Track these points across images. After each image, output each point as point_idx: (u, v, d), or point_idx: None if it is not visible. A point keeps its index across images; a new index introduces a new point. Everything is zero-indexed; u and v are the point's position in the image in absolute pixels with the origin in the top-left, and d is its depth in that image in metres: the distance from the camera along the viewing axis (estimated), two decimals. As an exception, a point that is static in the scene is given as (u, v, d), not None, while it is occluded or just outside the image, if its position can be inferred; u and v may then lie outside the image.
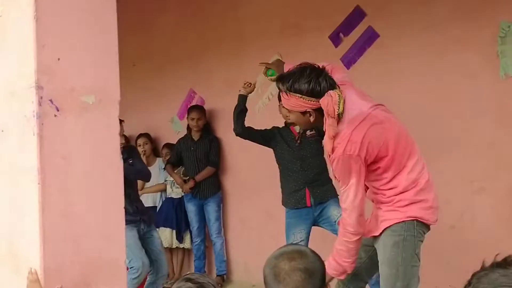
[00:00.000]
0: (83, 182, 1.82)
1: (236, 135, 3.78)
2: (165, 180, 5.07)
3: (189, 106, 4.96)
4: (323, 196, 3.49)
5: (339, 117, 2.18)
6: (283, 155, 3.67)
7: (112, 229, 1.90)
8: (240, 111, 3.71)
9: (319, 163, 3.56)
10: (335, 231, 3.16)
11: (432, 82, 3.69)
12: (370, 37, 3.99)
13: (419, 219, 2.23)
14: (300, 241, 3.34)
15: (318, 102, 2.17)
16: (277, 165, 3.73)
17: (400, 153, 2.23)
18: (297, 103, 2.22)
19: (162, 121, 5.40)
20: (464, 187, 3.57)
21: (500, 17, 3.41)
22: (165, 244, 4.92)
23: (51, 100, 1.75)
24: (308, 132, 3.59)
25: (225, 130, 4.82)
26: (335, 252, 2.27)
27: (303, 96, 2.19)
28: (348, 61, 4.10)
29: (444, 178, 3.61)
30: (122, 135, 5.24)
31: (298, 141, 3.61)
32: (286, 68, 2.60)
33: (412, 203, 2.23)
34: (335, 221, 3.36)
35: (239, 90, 3.79)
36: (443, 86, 3.64)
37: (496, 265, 0.99)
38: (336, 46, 4.18)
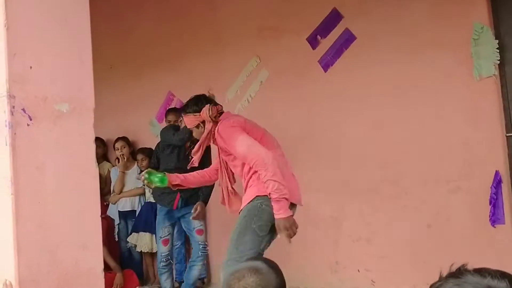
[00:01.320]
0: (58, 192, 1.80)
1: None
2: (143, 185, 5.03)
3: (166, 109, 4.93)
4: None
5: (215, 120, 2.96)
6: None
7: (88, 237, 1.88)
8: None
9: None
10: (189, 231, 4.20)
11: (408, 83, 3.74)
12: (347, 39, 4.02)
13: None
14: (168, 235, 4.22)
15: (200, 115, 2.99)
16: None
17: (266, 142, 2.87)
18: (189, 120, 3.05)
19: (141, 124, 5.35)
20: (440, 187, 3.62)
21: (474, 19, 3.46)
22: (145, 249, 4.89)
23: (23, 109, 1.73)
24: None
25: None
26: (275, 186, 2.61)
27: (192, 114, 3.02)
28: (326, 63, 4.13)
29: (420, 178, 3.67)
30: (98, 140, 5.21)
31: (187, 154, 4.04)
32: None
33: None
34: (194, 228, 4.15)
35: None
36: (419, 87, 3.69)
37: (450, 275, 1.02)
38: (313, 48, 4.20)
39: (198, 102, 3.05)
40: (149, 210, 4.90)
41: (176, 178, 3.21)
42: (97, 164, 1.93)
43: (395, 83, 3.79)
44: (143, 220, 4.85)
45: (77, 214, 1.85)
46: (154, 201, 4.87)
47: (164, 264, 4.26)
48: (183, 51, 4.92)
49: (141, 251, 4.96)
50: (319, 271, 4.19)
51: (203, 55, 4.79)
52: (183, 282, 4.77)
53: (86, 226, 1.88)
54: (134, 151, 5.19)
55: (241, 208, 2.86)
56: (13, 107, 1.70)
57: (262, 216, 2.73)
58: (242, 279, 1.45)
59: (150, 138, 5.24)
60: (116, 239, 5.16)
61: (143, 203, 5.04)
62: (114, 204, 5.15)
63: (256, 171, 2.75)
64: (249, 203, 2.80)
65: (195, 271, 4.17)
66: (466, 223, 3.51)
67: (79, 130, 1.88)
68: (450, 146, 3.58)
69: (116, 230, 5.16)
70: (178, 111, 4.82)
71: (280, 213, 2.61)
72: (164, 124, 4.91)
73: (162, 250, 4.23)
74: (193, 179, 3.29)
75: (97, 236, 1.91)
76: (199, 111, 3.00)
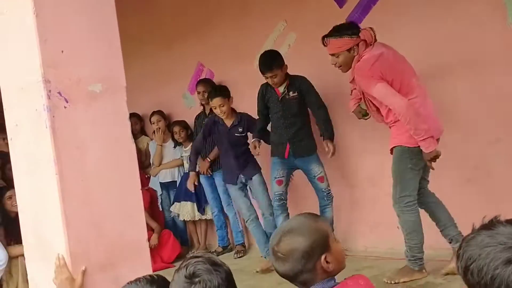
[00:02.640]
0: (99, 169, 1.89)
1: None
2: (181, 156, 5.15)
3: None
4: (302, 151, 3.97)
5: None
6: (271, 112, 4.06)
7: (131, 211, 1.97)
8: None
9: (299, 121, 3.97)
10: (314, 183, 4.00)
11: (440, 33, 3.64)
12: (375, -6, 3.93)
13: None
14: (282, 177, 4.01)
15: (359, 37, 3.15)
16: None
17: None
18: (344, 42, 3.15)
19: (174, 97, 5.43)
20: (479, 139, 3.55)
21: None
22: (187, 218, 5.04)
23: (59, 93, 1.80)
24: (290, 94, 3.95)
25: (235, 100, 4.84)
26: (414, 130, 3.00)
27: (349, 36, 3.15)
28: (354, 21, 4.04)
29: (458, 131, 3.61)
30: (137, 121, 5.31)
31: (280, 101, 3.97)
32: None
33: None
34: (314, 176, 3.98)
35: None
36: (452, 36, 3.59)
37: (483, 227, 1.03)
38: (340, 7, 4.12)
39: (349, 26, 3.23)
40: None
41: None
42: (133, 139, 2.00)
43: (426, 34, 3.69)
44: (183, 190, 4.98)
45: (119, 189, 1.93)
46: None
47: (278, 203, 3.99)
48: (209, 20, 4.92)
49: (184, 220, 5.12)
50: (358, 231, 4.23)
51: (229, 22, 4.78)
52: (226, 246, 4.92)
53: (128, 200, 1.96)
54: (169, 124, 5.29)
55: (392, 145, 3.21)
56: (50, 91, 1.77)
57: (412, 156, 3.12)
58: (280, 241, 1.46)
59: (183, 111, 5.33)
60: (160, 209, 5.34)
61: (182, 174, 5.17)
62: (155, 176, 5.30)
63: None
64: (396, 147, 3.18)
65: (328, 213, 3.99)
66: (506, 175, 3.45)
67: (113, 109, 1.94)
68: (486, 96, 3.49)
69: (160, 200, 5.33)
70: (208, 82, 4.85)
71: (425, 148, 3.02)
72: (196, 96, 4.97)
73: (276, 189, 4.00)
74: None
75: (139, 209, 2.00)
76: (357, 34, 3.14)
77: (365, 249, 4.13)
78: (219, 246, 4.95)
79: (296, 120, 3.96)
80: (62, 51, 1.81)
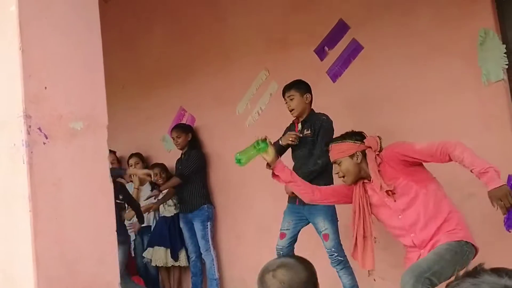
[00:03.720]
0: (75, 208, 1.84)
1: None
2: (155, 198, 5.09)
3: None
4: None
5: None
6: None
7: (105, 252, 1.91)
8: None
9: (310, 163, 3.57)
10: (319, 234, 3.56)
11: (417, 91, 3.75)
12: (355, 49, 4.06)
13: None
14: (286, 229, 3.61)
15: (363, 143, 2.85)
16: None
17: None
18: (347, 147, 2.84)
19: (154, 140, 5.43)
20: (453, 194, 3.60)
21: (480, 25, 3.48)
22: (160, 263, 4.92)
23: (39, 128, 1.77)
24: (305, 131, 3.65)
25: (217, 145, 4.87)
26: (479, 163, 2.47)
27: (352, 141, 2.86)
28: (334, 73, 4.17)
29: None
30: (114, 158, 5.27)
31: (297, 140, 3.64)
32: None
33: None
34: (320, 232, 3.56)
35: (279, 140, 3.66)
36: (428, 95, 3.70)
37: (467, 275, 1.02)
38: (321, 60, 4.24)
39: (353, 133, 2.94)
40: (163, 224, 4.95)
41: (283, 167, 2.93)
42: (111, 179, 1.97)
43: (403, 92, 3.81)
44: (157, 234, 4.89)
45: (94, 230, 1.88)
46: (168, 215, 4.92)
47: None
48: (193, 68, 4.99)
49: (156, 266, 4.99)
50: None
51: (212, 70, 4.86)
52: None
53: (103, 241, 1.91)
54: (147, 167, 5.25)
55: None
56: (30, 126, 1.75)
57: (464, 262, 2.61)
58: (275, 277, 1.62)
59: (162, 154, 5.31)
60: (133, 255, 5.21)
61: (157, 218, 5.08)
62: (129, 220, 5.20)
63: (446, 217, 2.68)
64: (454, 241, 2.63)
65: (343, 279, 3.56)
66: (479, 229, 3.49)
67: (93, 147, 1.92)
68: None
69: (133, 246, 5.21)
70: (179, 128, 4.85)
71: (490, 183, 2.47)
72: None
73: (277, 243, 3.68)
74: (301, 182, 3.01)
75: (113, 251, 1.94)
76: (361, 140, 2.87)
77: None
78: (193, 294, 4.83)
79: (307, 161, 3.58)
80: (46, 87, 1.80)
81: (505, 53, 3.41)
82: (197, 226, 4.70)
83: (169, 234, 4.78)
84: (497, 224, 3.40)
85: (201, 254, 4.76)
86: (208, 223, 4.75)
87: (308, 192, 2.99)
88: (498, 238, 3.39)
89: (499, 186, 2.44)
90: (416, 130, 3.73)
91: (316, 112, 3.72)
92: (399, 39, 3.81)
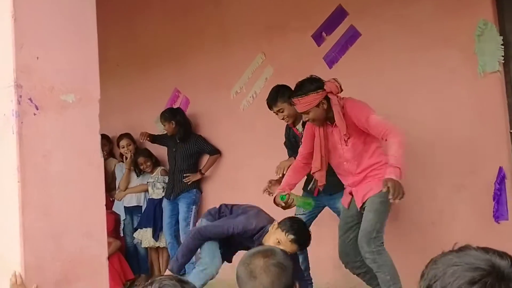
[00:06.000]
0: (63, 180, 1.84)
1: None
2: (147, 182, 5.07)
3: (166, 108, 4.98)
4: (331, 188, 3.45)
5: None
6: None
7: (93, 226, 1.91)
8: None
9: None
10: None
11: (412, 80, 3.75)
12: (352, 36, 4.04)
13: None
14: (302, 214, 3.59)
15: (324, 90, 3.04)
16: None
17: None
18: (311, 99, 3.03)
19: (147, 121, 5.39)
20: (444, 184, 3.62)
21: (479, 16, 3.47)
22: (146, 244, 4.93)
23: (30, 99, 1.76)
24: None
25: (210, 129, 4.84)
26: (396, 158, 2.80)
27: (315, 92, 3.03)
28: (331, 59, 4.15)
29: (424, 176, 3.67)
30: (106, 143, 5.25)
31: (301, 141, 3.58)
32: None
33: None
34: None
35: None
36: (423, 84, 3.70)
37: (452, 250, 1.03)
38: (318, 45, 4.22)
39: (312, 81, 3.09)
40: (151, 206, 4.95)
41: (287, 189, 3.26)
42: (102, 153, 1.96)
43: (399, 81, 3.80)
44: (145, 216, 4.90)
45: (82, 203, 1.88)
46: (156, 197, 4.92)
47: None
48: (189, 49, 4.95)
49: (146, 247, 5.00)
50: (322, 267, 4.20)
51: (208, 52, 4.82)
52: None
53: (91, 215, 1.91)
54: (138, 148, 5.23)
55: (372, 194, 3.03)
56: (20, 96, 1.74)
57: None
58: (266, 257, 1.56)
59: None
60: (122, 235, 5.20)
61: (148, 199, 5.07)
62: (120, 200, 5.19)
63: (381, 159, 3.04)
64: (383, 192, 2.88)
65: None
66: (469, 221, 3.51)
67: (84, 121, 1.91)
68: (455, 142, 3.58)
69: (122, 225, 5.21)
70: (167, 114, 4.80)
71: (391, 174, 2.76)
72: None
73: None
74: (295, 181, 3.36)
75: (101, 225, 1.94)
76: (322, 87, 3.05)
77: (328, 286, 4.09)
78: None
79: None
80: (38, 58, 1.79)
81: (502, 44, 3.40)
82: (182, 207, 4.70)
83: (154, 216, 4.79)
84: (486, 215, 3.43)
85: (177, 236, 4.74)
86: (193, 206, 4.74)
87: (303, 175, 3.38)
88: (487, 230, 3.42)
89: (396, 179, 2.75)
90: (411, 119, 3.73)
91: None
92: (398, 28, 3.79)
